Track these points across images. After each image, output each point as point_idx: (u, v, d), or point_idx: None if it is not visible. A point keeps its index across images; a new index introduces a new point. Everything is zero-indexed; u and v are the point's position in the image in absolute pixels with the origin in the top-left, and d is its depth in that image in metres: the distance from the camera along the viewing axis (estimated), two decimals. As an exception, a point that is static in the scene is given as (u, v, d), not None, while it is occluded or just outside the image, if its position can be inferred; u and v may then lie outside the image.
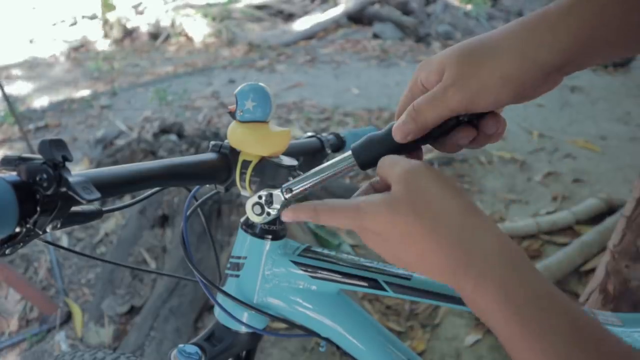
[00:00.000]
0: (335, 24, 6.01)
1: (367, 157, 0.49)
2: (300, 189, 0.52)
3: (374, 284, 0.60)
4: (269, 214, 0.55)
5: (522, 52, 0.41)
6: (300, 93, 4.07)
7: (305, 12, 6.14)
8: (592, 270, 1.84)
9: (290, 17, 6.28)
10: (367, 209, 0.43)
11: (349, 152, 0.50)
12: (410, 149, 0.48)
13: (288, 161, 0.58)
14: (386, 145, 0.48)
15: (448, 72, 0.43)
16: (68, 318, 1.93)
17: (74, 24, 6.62)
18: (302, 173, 0.55)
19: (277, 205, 0.54)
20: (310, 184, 0.52)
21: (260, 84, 0.58)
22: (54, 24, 6.56)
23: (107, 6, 6.05)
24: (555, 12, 0.40)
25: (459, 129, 0.46)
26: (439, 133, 0.47)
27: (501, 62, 0.41)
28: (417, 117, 0.44)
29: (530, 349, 0.33)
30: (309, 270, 0.61)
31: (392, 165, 0.44)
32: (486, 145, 0.50)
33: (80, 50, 5.83)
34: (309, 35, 5.74)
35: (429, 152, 2.93)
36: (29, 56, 5.69)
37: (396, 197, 0.41)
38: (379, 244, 0.43)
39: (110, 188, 0.45)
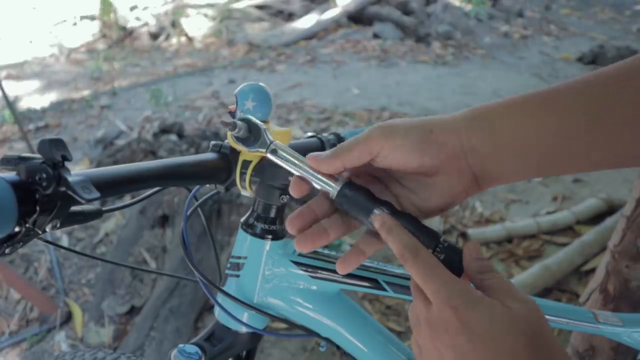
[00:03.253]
0: (335, 24, 6.01)
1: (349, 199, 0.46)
2: (281, 163, 0.48)
3: (374, 284, 0.60)
4: (245, 141, 0.49)
5: (445, 117, 0.44)
6: (300, 93, 4.07)
7: (305, 12, 6.14)
8: (592, 270, 1.84)
9: (290, 17, 6.28)
10: (462, 309, 0.38)
11: (345, 181, 0.46)
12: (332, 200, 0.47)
13: (288, 161, 0.58)
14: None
15: (376, 125, 0.45)
16: (68, 318, 1.93)
17: (74, 24, 6.62)
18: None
19: (260, 149, 0.49)
20: (290, 168, 0.48)
21: (260, 83, 0.58)
22: (54, 24, 6.57)
23: (106, 7, 6.05)
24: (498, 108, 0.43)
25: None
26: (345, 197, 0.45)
27: (426, 117, 0.44)
28: (337, 152, 0.44)
29: None
30: (309, 270, 0.61)
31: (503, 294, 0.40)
32: None
33: (80, 50, 5.83)
34: (309, 35, 5.74)
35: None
36: (29, 56, 5.69)
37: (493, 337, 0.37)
38: (432, 338, 0.40)
39: (110, 188, 0.45)
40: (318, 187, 0.47)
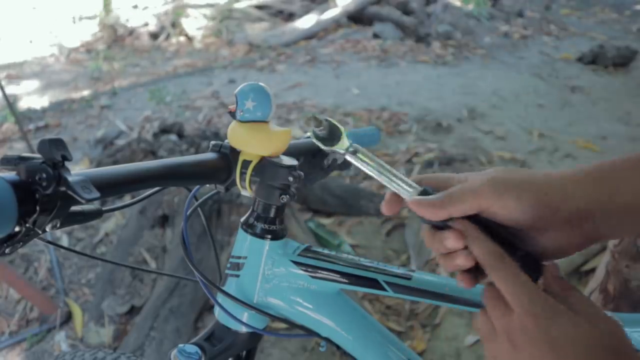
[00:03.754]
0: (335, 24, 6.01)
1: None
2: (359, 165, 0.52)
3: (374, 284, 0.60)
4: (327, 140, 0.53)
5: (558, 176, 0.43)
6: (300, 93, 4.07)
7: (305, 12, 6.14)
8: (593, 270, 1.84)
9: (290, 17, 6.28)
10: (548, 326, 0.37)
11: (418, 189, 0.48)
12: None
13: (288, 161, 0.58)
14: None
15: (490, 172, 0.45)
16: (68, 318, 1.93)
17: (74, 24, 6.62)
18: (301, 172, 0.56)
19: (339, 149, 0.53)
20: (366, 169, 0.52)
21: (261, 83, 0.58)
22: (54, 24, 6.56)
23: (108, 7, 6.04)
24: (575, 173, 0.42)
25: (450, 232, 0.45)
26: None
27: (538, 174, 0.44)
28: (446, 201, 0.44)
29: None
30: (309, 270, 0.61)
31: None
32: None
33: (80, 50, 5.83)
34: (309, 35, 5.74)
35: (429, 151, 2.93)
36: (29, 56, 5.69)
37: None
38: (511, 348, 0.39)
39: (110, 188, 0.45)
40: (396, 191, 0.49)
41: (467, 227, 0.43)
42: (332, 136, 0.54)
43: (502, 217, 0.43)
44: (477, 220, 0.44)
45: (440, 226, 0.46)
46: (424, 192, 0.47)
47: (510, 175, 0.44)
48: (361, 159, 0.52)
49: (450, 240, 0.44)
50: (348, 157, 0.53)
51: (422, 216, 0.46)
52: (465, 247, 0.44)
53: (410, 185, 0.48)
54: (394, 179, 0.49)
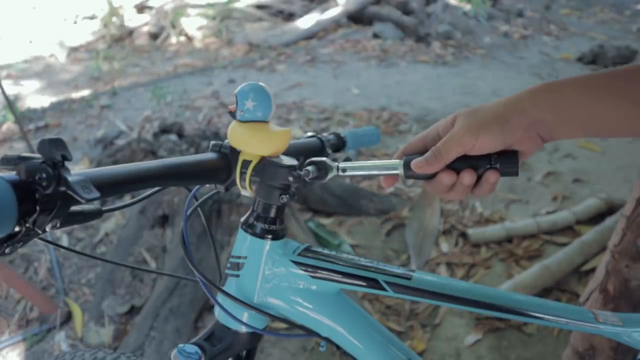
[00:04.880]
0: (335, 24, 6.01)
1: (413, 172, 0.57)
2: (351, 173, 0.59)
3: (374, 284, 0.60)
4: (318, 178, 0.59)
5: (514, 100, 0.54)
6: (300, 93, 4.07)
7: (305, 12, 6.13)
8: (592, 270, 1.84)
9: (290, 17, 6.28)
10: None
11: (400, 162, 0.58)
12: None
13: (288, 161, 0.58)
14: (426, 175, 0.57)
15: (459, 120, 0.56)
16: (68, 318, 1.93)
17: (74, 24, 6.62)
18: (300, 172, 0.57)
19: (329, 175, 0.59)
20: (360, 173, 0.59)
21: (261, 83, 0.58)
22: (54, 24, 6.56)
23: (111, 9, 6.04)
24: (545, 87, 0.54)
25: (465, 171, 0.56)
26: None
27: (496, 104, 0.55)
28: (438, 156, 0.55)
29: None
30: (309, 270, 0.61)
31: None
32: None
33: (80, 50, 5.83)
34: (309, 35, 5.73)
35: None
36: (29, 56, 5.69)
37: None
38: None
39: (110, 187, 0.45)
40: (387, 174, 0.59)
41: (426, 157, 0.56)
42: (322, 172, 0.59)
43: (481, 149, 0.54)
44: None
45: (433, 175, 0.57)
46: (406, 162, 0.57)
47: (478, 116, 0.55)
48: (351, 173, 0.59)
49: (446, 178, 0.56)
50: (341, 176, 0.59)
51: (423, 173, 0.56)
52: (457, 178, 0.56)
53: (394, 165, 0.58)
54: (381, 168, 0.58)
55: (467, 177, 0.55)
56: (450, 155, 0.55)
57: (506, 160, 0.55)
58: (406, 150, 0.60)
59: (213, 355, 0.61)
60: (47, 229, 0.42)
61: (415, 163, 0.56)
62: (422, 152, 0.57)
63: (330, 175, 0.59)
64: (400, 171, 0.58)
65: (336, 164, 0.59)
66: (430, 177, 0.57)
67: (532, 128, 0.53)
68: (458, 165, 0.56)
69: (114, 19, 6.09)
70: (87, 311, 1.93)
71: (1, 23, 6.44)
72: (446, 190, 0.57)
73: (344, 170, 0.59)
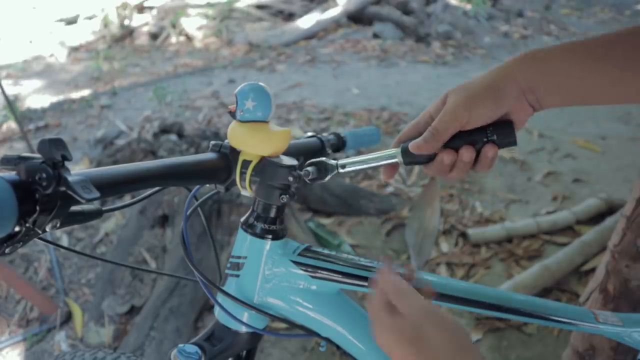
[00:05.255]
0: (335, 24, 6.01)
1: (412, 158, 0.57)
2: (351, 169, 0.60)
3: (374, 283, 0.59)
4: (318, 178, 0.59)
5: (503, 69, 0.54)
6: (300, 93, 4.07)
7: (305, 12, 6.13)
8: (592, 270, 1.84)
9: (290, 17, 6.28)
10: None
11: (398, 150, 0.58)
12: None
13: (288, 161, 0.58)
14: (425, 157, 0.58)
15: (450, 97, 0.56)
16: (68, 318, 1.93)
17: (74, 23, 6.62)
18: (301, 172, 0.57)
19: (329, 174, 0.59)
20: (360, 167, 0.59)
21: (261, 83, 0.58)
22: (54, 24, 6.56)
23: (119, 8, 6.04)
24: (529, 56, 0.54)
25: (464, 148, 0.56)
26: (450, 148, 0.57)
27: (487, 76, 0.55)
28: (436, 134, 0.55)
29: None
30: (309, 270, 0.61)
31: (400, 294, 0.51)
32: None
33: (80, 50, 5.83)
34: (309, 35, 5.74)
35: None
36: (29, 56, 5.68)
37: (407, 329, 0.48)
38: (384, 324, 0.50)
39: (110, 187, 0.45)
40: (386, 164, 0.59)
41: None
42: (322, 172, 0.59)
43: (476, 122, 0.54)
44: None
45: (432, 157, 0.57)
46: (403, 149, 0.58)
47: (469, 90, 0.55)
48: (350, 168, 0.60)
49: (446, 157, 0.56)
50: (342, 172, 0.60)
51: (422, 152, 0.56)
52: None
53: (392, 154, 0.58)
54: (379, 159, 0.59)
55: (466, 153, 0.55)
56: (448, 132, 0.55)
57: (502, 131, 0.55)
58: (401, 138, 0.61)
59: (213, 355, 0.61)
60: (47, 229, 0.42)
61: (413, 144, 0.56)
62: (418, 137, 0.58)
63: (330, 174, 0.59)
64: (398, 159, 0.58)
65: (335, 161, 0.60)
66: (429, 160, 0.57)
67: (522, 96, 0.54)
68: (456, 143, 0.56)
69: (114, 19, 6.09)
70: (87, 311, 1.93)
71: (1, 23, 6.44)
72: (447, 170, 0.57)
73: (343, 166, 0.59)
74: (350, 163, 0.59)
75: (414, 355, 0.46)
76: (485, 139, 0.55)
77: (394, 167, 0.60)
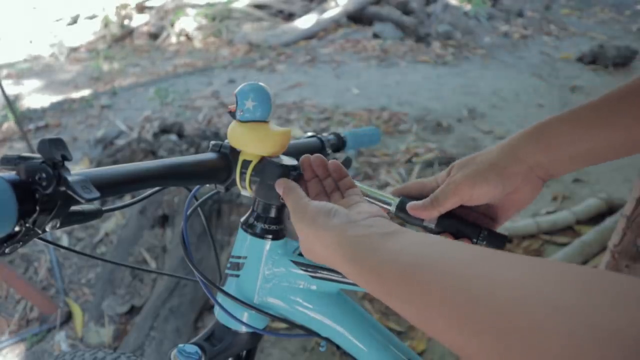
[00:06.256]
0: (335, 24, 6.01)
1: (405, 215, 0.59)
2: None
3: (374, 283, 0.59)
4: None
5: (508, 148, 0.54)
6: (300, 93, 4.07)
7: (305, 12, 6.14)
8: (592, 270, 1.84)
9: (290, 17, 6.28)
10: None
11: (396, 201, 0.59)
12: (434, 232, 0.59)
13: (288, 161, 0.58)
14: (419, 220, 0.59)
15: (456, 170, 0.57)
16: (68, 318, 1.93)
17: (74, 23, 6.62)
18: (301, 172, 0.58)
19: None
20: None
21: (260, 83, 0.58)
22: (54, 24, 6.56)
23: (118, 9, 6.05)
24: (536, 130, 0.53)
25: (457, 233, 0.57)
26: (445, 228, 0.58)
27: (492, 153, 0.55)
28: (435, 203, 0.56)
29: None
30: (309, 270, 0.61)
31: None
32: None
33: (80, 50, 5.83)
34: (309, 35, 5.74)
35: (429, 151, 2.93)
36: (28, 56, 5.69)
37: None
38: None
39: (110, 187, 0.45)
40: (380, 205, 0.59)
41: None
42: None
43: (479, 200, 0.54)
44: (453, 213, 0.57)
45: (420, 223, 0.58)
46: (401, 201, 0.59)
47: (474, 166, 0.55)
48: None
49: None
50: None
51: (418, 216, 0.57)
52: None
53: (389, 200, 0.60)
54: (375, 196, 0.60)
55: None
56: (447, 204, 0.55)
57: (494, 242, 0.57)
58: (403, 190, 0.61)
59: (213, 355, 0.61)
60: (47, 229, 0.42)
61: (412, 206, 0.57)
62: (417, 197, 0.59)
63: None
64: (392, 208, 0.59)
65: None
66: (417, 225, 0.59)
67: (531, 173, 0.53)
68: (454, 227, 0.57)
69: (115, 19, 6.09)
70: (87, 311, 1.93)
71: (1, 23, 6.44)
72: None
73: None
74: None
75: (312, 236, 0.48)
76: (475, 240, 0.57)
77: (383, 209, 0.60)
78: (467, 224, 0.57)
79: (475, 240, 0.56)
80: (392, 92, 4.04)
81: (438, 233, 0.58)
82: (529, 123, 0.56)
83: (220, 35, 5.84)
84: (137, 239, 2.05)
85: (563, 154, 0.52)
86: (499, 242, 0.57)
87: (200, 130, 2.81)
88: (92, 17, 6.58)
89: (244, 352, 0.66)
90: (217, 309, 0.64)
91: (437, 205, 0.56)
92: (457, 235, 0.57)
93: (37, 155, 0.41)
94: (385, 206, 0.60)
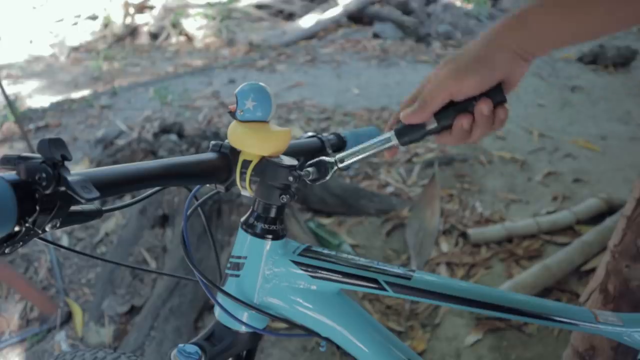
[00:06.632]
0: (335, 24, 6.01)
1: (407, 137, 0.58)
2: (350, 161, 0.60)
3: (374, 284, 0.60)
4: (319, 178, 0.59)
5: (491, 38, 0.55)
6: (300, 93, 4.07)
7: (306, 12, 6.13)
8: (593, 270, 1.84)
9: (290, 16, 6.28)
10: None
11: (392, 133, 0.59)
12: (437, 131, 0.59)
13: (288, 161, 0.58)
14: (421, 129, 0.58)
15: (436, 72, 0.57)
16: (68, 318, 1.93)
17: (74, 23, 6.62)
18: (301, 172, 0.57)
19: (329, 173, 0.59)
20: (358, 157, 0.59)
21: (261, 83, 0.58)
22: (54, 24, 6.56)
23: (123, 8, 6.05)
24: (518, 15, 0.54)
25: (459, 116, 0.56)
26: (445, 124, 0.58)
27: (475, 46, 0.55)
28: (424, 105, 0.56)
29: None
30: (309, 270, 0.61)
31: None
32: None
33: (80, 50, 5.83)
34: (309, 35, 5.74)
35: (429, 151, 2.93)
36: (29, 56, 5.69)
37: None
38: None
39: (110, 187, 0.45)
40: (383, 150, 0.59)
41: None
42: (323, 171, 0.60)
43: (467, 93, 0.55)
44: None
45: (424, 134, 0.58)
46: (397, 130, 0.59)
47: (460, 61, 0.55)
48: (349, 161, 0.60)
49: (465, 122, 0.57)
50: (342, 167, 0.60)
51: (413, 121, 0.57)
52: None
53: (387, 138, 0.59)
54: (376, 146, 0.59)
55: (465, 120, 0.56)
56: (437, 100, 0.56)
57: (493, 96, 0.56)
58: (392, 123, 0.62)
59: (213, 355, 0.61)
60: (47, 229, 0.42)
61: (403, 114, 0.57)
62: None
63: (331, 171, 0.59)
64: (394, 142, 0.59)
65: (333, 158, 0.60)
66: (423, 136, 0.58)
67: (517, 56, 0.54)
68: (450, 115, 0.57)
69: (117, 18, 6.08)
70: (87, 311, 1.93)
71: (1, 23, 6.44)
72: (455, 140, 0.58)
73: (341, 160, 0.60)
74: (348, 155, 0.60)
75: None
76: (474, 102, 0.56)
77: (394, 149, 0.60)
78: (463, 103, 0.56)
79: (474, 102, 0.55)
80: (393, 92, 4.04)
81: (440, 130, 0.58)
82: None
83: (220, 35, 5.84)
84: (137, 239, 2.05)
85: (547, 37, 0.53)
86: (500, 97, 0.56)
87: (201, 130, 2.81)
88: (94, 18, 6.58)
89: (244, 352, 0.66)
90: (217, 309, 0.64)
91: (428, 105, 0.56)
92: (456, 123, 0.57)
93: (37, 155, 0.41)
94: (387, 145, 0.59)
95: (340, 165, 0.60)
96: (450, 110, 0.57)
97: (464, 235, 2.19)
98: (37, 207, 0.40)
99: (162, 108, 3.84)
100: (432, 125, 0.58)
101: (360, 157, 0.59)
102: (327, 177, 0.60)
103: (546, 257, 2.00)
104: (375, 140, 0.59)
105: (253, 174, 0.57)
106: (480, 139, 0.58)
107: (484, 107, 0.55)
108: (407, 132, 0.58)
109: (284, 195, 0.58)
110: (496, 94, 0.56)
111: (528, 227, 2.17)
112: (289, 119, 3.53)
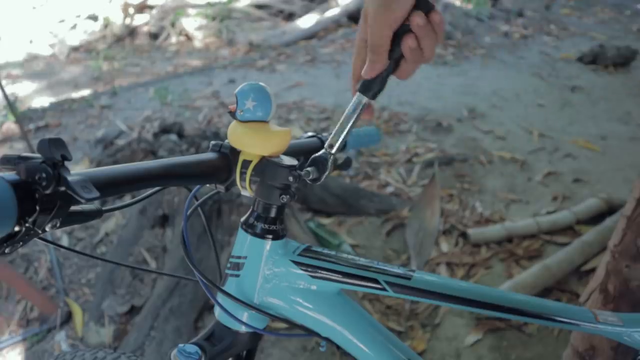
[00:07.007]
0: (335, 24, 6.01)
1: (374, 87, 0.59)
2: (338, 142, 0.60)
3: (374, 284, 0.60)
4: (319, 178, 0.59)
5: None
6: (300, 93, 4.07)
7: (306, 12, 6.13)
8: (593, 270, 1.84)
9: (290, 16, 6.28)
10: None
11: (357, 94, 0.59)
12: (394, 66, 0.59)
13: (288, 161, 0.58)
14: (383, 79, 0.59)
15: (365, 14, 0.57)
16: (68, 318, 1.93)
17: (74, 23, 6.62)
18: (301, 172, 0.57)
19: (328, 168, 0.60)
20: (344, 133, 0.60)
21: (261, 83, 0.58)
22: (54, 24, 6.56)
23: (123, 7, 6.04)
24: None
25: (403, 39, 0.56)
26: (398, 56, 0.58)
27: None
28: (376, 50, 0.56)
29: None
30: (309, 270, 0.61)
31: None
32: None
33: (80, 50, 5.83)
34: (309, 35, 5.73)
35: (429, 151, 2.93)
36: (29, 56, 5.69)
37: None
38: None
39: (110, 187, 0.45)
40: (360, 114, 0.60)
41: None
42: (322, 168, 0.59)
43: (401, 16, 0.55)
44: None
45: (386, 75, 0.59)
46: (361, 87, 0.59)
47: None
48: (338, 142, 0.60)
49: (410, 41, 0.56)
50: (336, 154, 0.60)
51: (377, 72, 0.58)
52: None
53: (357, 100, 0.59)
54: (352, 113, 0.60)
55: (410, 40, 0.56)
56: (384, 40, 0.56)
57: (418, 5, 0.56)
58: (354, 83, 0.62)
59: (213, 355, 0.61)
60: (47, 228, 0.42)
61: (364, 72, 0.58)
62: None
63: (329, 164, 0.59)
64: (365, 99, 0.59)
65: (325, 150, 0.60)
66: (384, 79, 0.59)
67: None
68: (407, 44, 0.56)
69: (117, 18, 6.08)
70: (87, 311, 1.93)
71: (1, 23, 6.44)
72: (412, 65, 0.59)
73: (331, 146, 0.60)
74: (334, 139, 0.60)
75: None
76: (407, 23, 0.56)
77: (368, 107, 0.61)
78: (401, 29, 0.56)
79: (409, 29, 0.56)
80: (392, 92, 4.04)
81: (396, 66, 0.59)
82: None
83: (220, 35, 5.84)
84: (137, 239, 2.05)
85: None
86: (428, 6, 0.57)
87: (201, 130, 2.81)
88: (92, 18, 6.58)
89: (244, 352, 0.66)
90: (217, 309, 0.64)
91: (379, 48, 0.56)
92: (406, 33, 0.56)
93: (37, 155, 0.41)
94: (360, 108, 0.59)
95: (333, 151, 0.60)
96: (395, 44, 0.57)
97: (464, 235, 2.19)
98: (37, 207, 0.40)
99: (162, 108, 3.84)
100: (388, 64, 0.58)
101: (345, 132, 0.60)
102: (327, 171, 0.59)
103: (546, 257, 2.00)
104: (347, 110, 0.60)
105: (253, 174, 0.57)
106: (434, 54, 0.58)
107: (418, 19, 0.56)
108: (370, 85, 0.59)
109: (284, 195, 0.58)
110: (423, 4, 0.56)
111: (528, 227, 2.17)
112: (289, 119, 3.53)
